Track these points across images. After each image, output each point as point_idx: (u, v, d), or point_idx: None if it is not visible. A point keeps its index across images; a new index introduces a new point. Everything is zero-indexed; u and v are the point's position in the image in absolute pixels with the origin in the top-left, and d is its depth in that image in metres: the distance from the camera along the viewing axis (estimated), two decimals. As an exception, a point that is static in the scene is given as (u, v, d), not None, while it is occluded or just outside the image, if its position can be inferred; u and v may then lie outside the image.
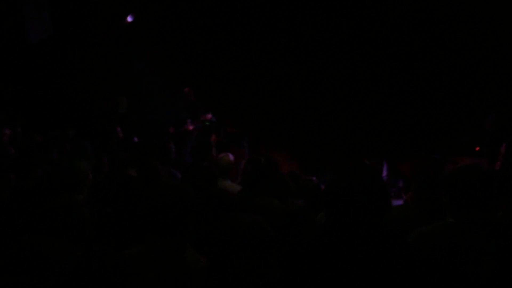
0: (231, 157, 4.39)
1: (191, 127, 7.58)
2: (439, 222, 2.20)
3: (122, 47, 8.21)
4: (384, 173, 6.94)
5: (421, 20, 7.47)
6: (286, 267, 1.76)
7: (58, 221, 2.41)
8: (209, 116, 7.73)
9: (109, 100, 8.16)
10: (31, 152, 4.28)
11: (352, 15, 7.92)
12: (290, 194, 3.62)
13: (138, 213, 2.89)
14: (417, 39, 7.69)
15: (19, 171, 3.91)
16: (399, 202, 3.91)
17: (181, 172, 4.36)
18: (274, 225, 2.95)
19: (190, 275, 1.84)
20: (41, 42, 6.90)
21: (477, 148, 6.99)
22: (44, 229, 2.35)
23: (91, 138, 6.24)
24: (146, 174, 3.55)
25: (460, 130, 7.48)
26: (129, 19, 7.83)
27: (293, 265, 1.74)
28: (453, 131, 7.45)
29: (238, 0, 7.88)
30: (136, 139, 5.69)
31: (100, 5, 7.38)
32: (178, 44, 9.00)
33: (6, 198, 3.23)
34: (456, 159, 7.08)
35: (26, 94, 7.08)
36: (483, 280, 1.96)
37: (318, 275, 1.68)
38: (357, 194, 1.70)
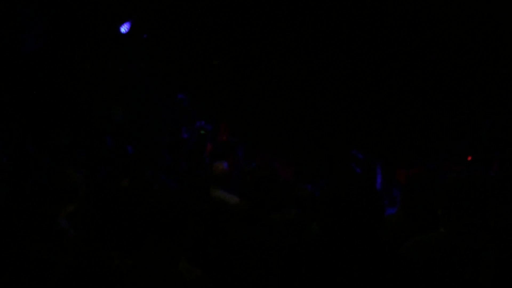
0: (225, 166, 4.40)
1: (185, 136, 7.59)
2: (431, 233, 2.21)
3: (117, 56, 8.24)
4: (378, 181, 6.94)
5: (418, 29, 7.52)
6: (283, 278, 1.76)
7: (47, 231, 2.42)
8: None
9: (104, 109, 8.17)
10: (24, 162, 4.27)
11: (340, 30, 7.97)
12: (286, 203, 3.62)
13: (131, 224, 2.89)
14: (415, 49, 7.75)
15: (12, 180, 3.90)
16: (393, 210, 3.92)
17: (176, 181, 4.36)
18: (275, 237, 2.96)
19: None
20: (36, 52, 6.92)
21: (469, 158, 7.01)
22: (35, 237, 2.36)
23: (86, 148, 6.23)
24: (138, 185, 3.55)
25: (455, 137, 7.51)
26: (122, 30, 7.85)
27: (289, 275, 1.74)
28: (448, 139, 7.48)
29: (233, 11, 7.90)
30: (130, 150, 5.69)
31: (93, 15, 7.41)
32: (173, 52, 9.03)
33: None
34: (450, 168, 7.09)
35: (20, 103, 7.09)
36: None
37: (312, 286, 1.68)
38: (350, 203, 1.71)
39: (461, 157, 7.15)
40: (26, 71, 7.11)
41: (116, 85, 8.36)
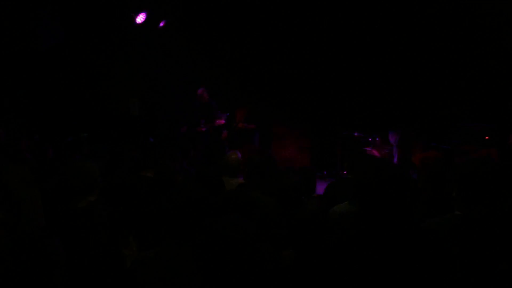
0: (239, 154, 4.43)
1: (204, 129, 7.57)
2: (446, 215, 2.22)
3: (133, 49, 8.28)
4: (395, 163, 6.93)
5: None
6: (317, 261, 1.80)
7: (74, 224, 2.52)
8: (223, 121, 7.70)
9: (121, 103, 8.25)
10: (48, 159, 4.39)
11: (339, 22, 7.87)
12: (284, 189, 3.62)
13: (155, 215, 2.97)
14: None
15: (38, 177, 4.03)
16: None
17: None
18: (265, 220, 2.99)
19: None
20: (53, 48, 7.00)
21: (487, 138, 6.94)
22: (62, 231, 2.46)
23: (105, 141, 6.32)
24: (163, 176, 3.57)
25: (471, 119, 7.43)
26: (138, 20, 7.87)
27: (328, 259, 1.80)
28: (465, 120, 7.40)
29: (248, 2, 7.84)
30: (151, 140, 5.75)
31: (110, 8, 7.45)
32: (190, 43, 9.07)
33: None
34: (466, 148, 7.03)
35: (40, 100, 7.21)
36: (490, 273, 1.99)
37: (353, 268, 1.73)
38: (390, 188, 1.75)
39: (477, 138, 7.09)
40: (45, 67, 7.22)
41: (133, 78, 8.43)
